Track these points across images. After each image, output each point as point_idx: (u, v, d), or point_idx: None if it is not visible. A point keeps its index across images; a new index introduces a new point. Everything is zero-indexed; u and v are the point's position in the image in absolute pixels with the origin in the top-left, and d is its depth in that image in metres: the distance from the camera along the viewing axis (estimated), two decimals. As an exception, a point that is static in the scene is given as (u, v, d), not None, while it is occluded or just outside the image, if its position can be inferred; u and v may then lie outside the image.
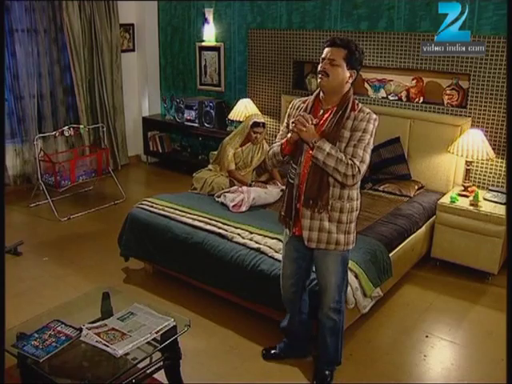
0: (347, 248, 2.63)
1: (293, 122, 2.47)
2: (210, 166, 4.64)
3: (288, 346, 3.05)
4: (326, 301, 2.73)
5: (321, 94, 2.59)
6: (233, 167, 4.46)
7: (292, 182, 2.60)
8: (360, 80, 4.96)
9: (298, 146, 2.55)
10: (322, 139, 2.45)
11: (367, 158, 2.47)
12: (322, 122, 2.54)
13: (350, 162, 2.42)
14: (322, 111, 2.56)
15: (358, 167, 2.42)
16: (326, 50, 2.50)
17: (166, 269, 3.86)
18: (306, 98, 2.70)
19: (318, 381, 2.86)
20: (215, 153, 4.73)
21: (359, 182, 2.56)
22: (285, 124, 2.71)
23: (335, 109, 2.52)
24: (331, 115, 2.52)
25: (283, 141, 2.60)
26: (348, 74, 2.49)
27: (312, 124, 2.45)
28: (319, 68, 2.50)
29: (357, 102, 2.56)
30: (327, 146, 2.43)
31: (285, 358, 3.04)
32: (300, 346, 3.06)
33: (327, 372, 2.88)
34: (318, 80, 2.51)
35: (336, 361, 2.92)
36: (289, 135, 2.54)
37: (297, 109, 2.66)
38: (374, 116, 2.51)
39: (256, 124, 4.43)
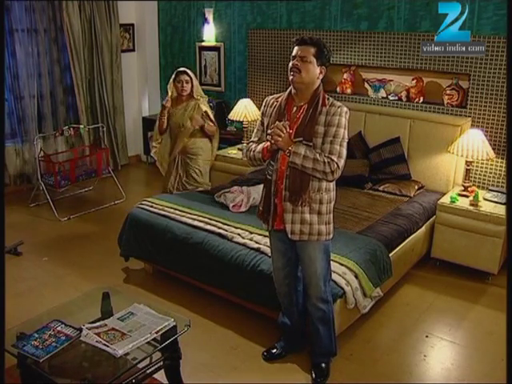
0: (328, 238, 2.71)
1: (269, 134, 2.56)
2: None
3: (287, 341, 3.07)
4: (312, 291, 2.78)
5: (293, 91, 2.65)
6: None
7: (270, 178, 2.67)
8: (360, 80, 4.96)
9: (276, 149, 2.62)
10: (296, 144, 2.53)
11: (344, 152, 2.55)
12: (296, 119, 2.60)
13: (326, 159, 2.50)
14: (295, 108, 2.63)
15: (337, 163, 2.51)
16: (296, 48, 2.58)
17: (166, 269, 3.86)
18: (279, 94, 2.76)
19: (316, 375, 2.88)
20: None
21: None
22: (259, 122, 2.79)
23: (307, 105, 2.59)
24: (304, 112, 2.59)
25: (261, 146, 2.67)
26: (318, 71, 2.58)
27: (287, 132, 2.53)
28: (290, 65, 2.58)
29: (327, 96, 2.63)
30: (302, 150, 2.51)
31: (286, 355, 3.05)
32: (298, 339, 3.08)
33: (323, 365, 2.90)
34: (290, 77, 2.58)
35: (331, 352, 2.93)
36: (267, 144, 2.61)
37: (270, 106, 2.73)
38: (345, 109, 2.58)
39: (177, 73, 4.31)
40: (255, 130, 2.83)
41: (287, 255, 2.81)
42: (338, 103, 2.59)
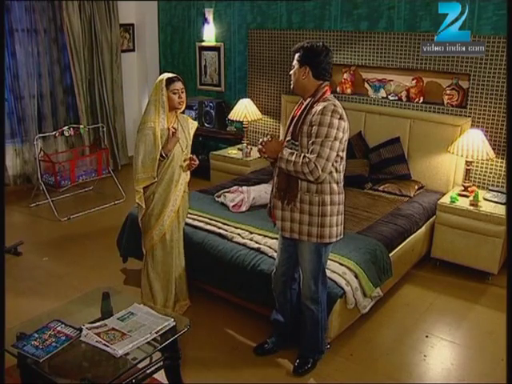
0: (321, 241, 2.67)
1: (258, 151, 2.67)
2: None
3: (279, 337, 3.10)
4: (303, 289, 2.84)
5: None
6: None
7: (274, 176, 2.77)
8: (360, 80, 4.96)
9: None
10: (284, 149, 2.60)
11: (326, 151, 2.49)
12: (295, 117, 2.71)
13: (304, 160, 2.51)
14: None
15: (315, 163, 2.48)
16: None
17: (166, 269, 3.85)
18: None
19: (298, 365, 2.92)
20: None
21: (337, 177, 2.63)
22: None
23: (302, 106, 2.67)
24: (299, 113, 2.67)
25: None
26: (302, 72, 2.62)
27: (268, 140, 2.60)
28: None
29: (327, 97, 2.60)
30: (286, 154, 2.56)
31: (277, 350, 3.08)
32: (290, 336, 3.09)
33: (309, 359, 2.94)
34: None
35: (317, 350, 2.97)
36: None
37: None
38: (331, 107, 2.53)
39: (171, 80, 3.16)
40: None
41: (287, 252, 2.86)
42: (326, 103, 2.55)
